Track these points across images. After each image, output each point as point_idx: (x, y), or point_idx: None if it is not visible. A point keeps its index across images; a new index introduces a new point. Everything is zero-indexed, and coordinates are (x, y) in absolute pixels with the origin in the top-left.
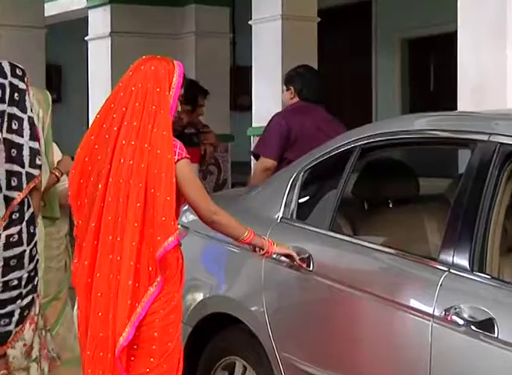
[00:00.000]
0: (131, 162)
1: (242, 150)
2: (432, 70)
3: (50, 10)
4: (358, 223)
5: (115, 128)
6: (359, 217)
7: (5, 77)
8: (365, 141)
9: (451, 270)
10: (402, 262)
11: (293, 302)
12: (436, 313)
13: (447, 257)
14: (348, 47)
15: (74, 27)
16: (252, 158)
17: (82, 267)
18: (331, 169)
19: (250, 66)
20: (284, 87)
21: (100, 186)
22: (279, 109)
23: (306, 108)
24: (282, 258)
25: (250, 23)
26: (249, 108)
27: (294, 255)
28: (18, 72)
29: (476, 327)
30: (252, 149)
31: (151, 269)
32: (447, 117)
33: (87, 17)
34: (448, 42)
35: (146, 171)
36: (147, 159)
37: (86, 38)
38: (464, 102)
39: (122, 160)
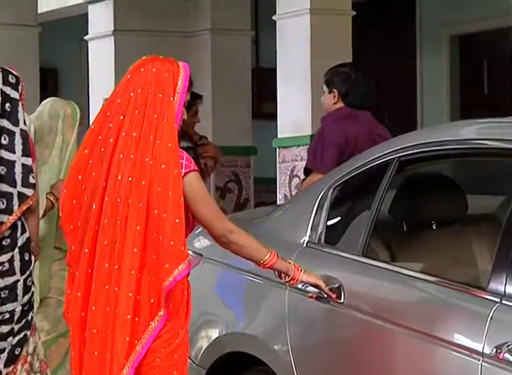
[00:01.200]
0: (130, 178)
1: (266, 164)
2: (486, 71)
3: (44, 6)
4: (396, 248)
5: (112, 140)
6: (397, 241)
7: None
8: (404, 153)
9: (503, 301)
10: (447, 292)
11: (322, 339)
12: (486, 351)
13: (499, 286)
14: (388, 45)
15: (72, 25)
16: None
17: (75, 299)
18: (364, 185)
19: (275, 68)
20: (325, 88)
21: (94, 206)
22: (309, 117)
23: (355, 115)
24: (309, 288)
25: (274, 18)
26: (274, 116)
27: (323, 284)
28: (11, 79)
29: None
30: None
31: (152, 301)
32: (499, 125)
33: (87, 14)
34: (505, 38)
35: (148, 189)
36: (149, 175)
37: (85, 37)
38: None
39: (119, 176)
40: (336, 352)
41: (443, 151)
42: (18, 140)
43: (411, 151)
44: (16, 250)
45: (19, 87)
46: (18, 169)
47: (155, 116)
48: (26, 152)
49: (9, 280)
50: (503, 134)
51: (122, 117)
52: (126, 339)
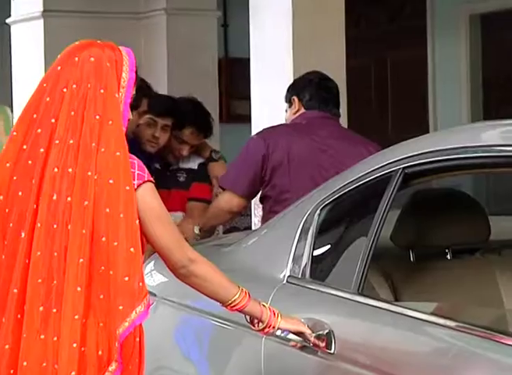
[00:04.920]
0: (69, 198)
1: None
2: None
3: None
4: (401, 284)
5: (42, 150)
6: (402, 275)
7: None
8: (411, 163)
9: None
10: (465, 338)
11: None
12: None
13: None
14: (392, 26)
15: None
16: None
17: (1, 353)
18: (360, 204)
19: (248, 58)
20: (286, 106)
21: (23, 235)
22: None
23: (307, 124)
24: (291, 335)
25: None
26: (247, 118)
27: (307, 331)
28: None
29: None
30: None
31: (101, 352)
32: None
33: None
34: None
35: (92, 211)
36: (93, 194)
37: (7, 21)
38: None
39: (54, 196)
40: None
41: (460, 161)
42: None
43: (419, 161)
44: None
45: None
46: None
47: (97, 117)
48: None
49: None
50: None
51: (53, 120)
52: None
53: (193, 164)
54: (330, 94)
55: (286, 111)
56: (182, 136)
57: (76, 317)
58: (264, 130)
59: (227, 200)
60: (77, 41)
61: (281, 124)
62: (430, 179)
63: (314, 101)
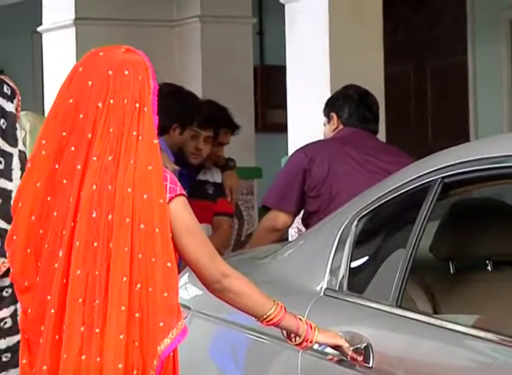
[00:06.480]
0: (110, 216)
1: None
2: None
3: None
4: (440, 296)
5: (79, 166)
6: (442, 286)
7: None
8: (450, 172)
9: None
10: (507, 352)
11: None
12: None
13: None
14: (432, 33)
15: (21, 14)
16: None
17: (39, 374)
18: (398, 215)
19: (284, 66)
20: (325, 120)
21: (60, 254)
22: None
23: (348, 140)
24: (328, 349)
25: (281, 1)
26: (283, 127)
27: (345, 344)
28: (6, 89)
29: None
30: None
31: (135, 372)
32: None
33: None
34: None
35: (131, 228)
36: (131, 210)
37: (39, 29)
38: None
39: (94, 214)
40: None
41: (500, 170)
42: (16, 164)
43: (459, 171)
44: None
45: (15, 101)
46: None
47: (134, 133)
48: None
49: (12, 340)
50: None
51: (90, 136)
52: None
53: (218, 178)
54: (370, 111)
55: (325, 125)
56: (217, 139)
57: (121, 337)
58: (305, 145)
59: (272, 217)
60: (96, 49)
61: (321, 140)
62: (470, 188)
63: (353, 118)
